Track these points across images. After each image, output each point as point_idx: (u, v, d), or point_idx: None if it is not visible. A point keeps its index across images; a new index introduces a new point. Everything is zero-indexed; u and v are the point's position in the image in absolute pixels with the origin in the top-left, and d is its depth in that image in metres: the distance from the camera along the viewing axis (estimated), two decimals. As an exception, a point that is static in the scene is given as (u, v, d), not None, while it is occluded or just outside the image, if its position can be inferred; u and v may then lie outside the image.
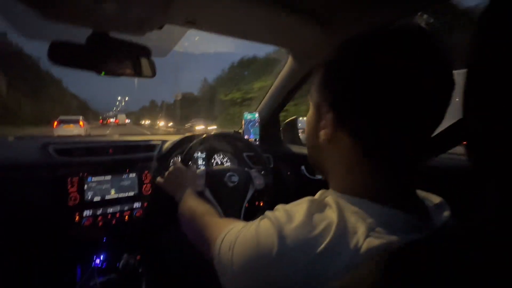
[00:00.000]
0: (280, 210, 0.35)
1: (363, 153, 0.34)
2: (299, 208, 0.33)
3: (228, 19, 0.74)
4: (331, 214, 0.31)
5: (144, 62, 0.79)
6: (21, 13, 0.70)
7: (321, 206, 0.33)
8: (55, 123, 12.90)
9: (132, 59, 0.77)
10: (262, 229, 0.32)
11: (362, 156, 0.34)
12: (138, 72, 0.80)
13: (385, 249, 0.28)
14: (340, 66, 0.35)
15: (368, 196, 0.32)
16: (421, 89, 0.30)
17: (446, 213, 0.36)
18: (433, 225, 0.33)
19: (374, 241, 0.28)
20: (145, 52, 0.78)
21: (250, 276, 0.31)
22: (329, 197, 0.35)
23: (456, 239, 0.28)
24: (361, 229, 0.29)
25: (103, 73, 0.75)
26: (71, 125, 12.90)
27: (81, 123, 13.22)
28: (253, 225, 0.35)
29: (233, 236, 0.36)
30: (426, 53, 0.30)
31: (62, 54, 0.65)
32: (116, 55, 0.73)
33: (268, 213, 0.36)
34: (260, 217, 0.37)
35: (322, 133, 0.37)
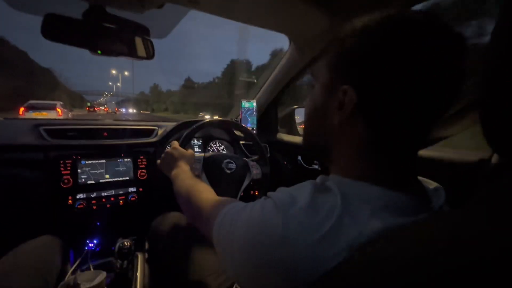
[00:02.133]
0: (283, 191, 0.34)
1: (376, 137, 0.33)
2: (302, 190, 0.33)
3: (230, 1, 0.72)
4: (334, 197, 0.31)
5: (142, 42, 0.77)
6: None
7: (323, 189, 0.33)
8: (22, 109, 9.65)
9: (130, 38, 0.74)
10: (266, 209, 0.32)
11: (373, 140, 0.33)
12: (135, 53, 0.77)
13: (388, 230, 0.28)
14: (366, 46, 0.32)
15: (371, 179, 0.32)
16: (444, 75, 0.29)
17: (443, 197, 0.37)
18: (432, 208, 0.33)
19: (377, 222, 0.28)
20: (144, 31, 0.76)
21: (251, 256, 0.31)
22: (330, 181, 0.35)
23: (452, 220, 0.29)
24: (364, 211, 0.29)
25: (99, 51, 0.72)
26: (44, 112, 9.83)
27: (58, 109, 10.36)
28: (256, 205, 0.34)
29: (234, 214, 0.36)
30: (449, 40, 0.30)
31: (57, 28, 0.62)
32: (113, 32, 0.70)
33: (271, 194, 0.35)
34: (263, 197, 0.36)
35: (336, 115, 0.35)
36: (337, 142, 0.37)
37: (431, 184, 0.39)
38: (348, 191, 0.31)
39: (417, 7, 0.63)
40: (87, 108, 54.48)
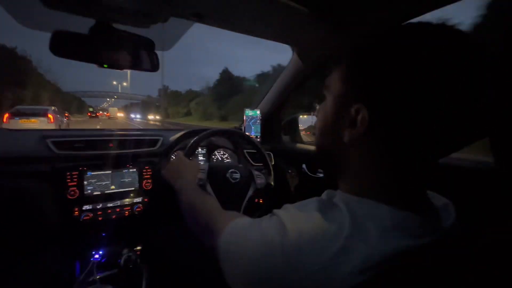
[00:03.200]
0: (290, 209, 0.34)
1: (389, 156, 0.32)
2: (308, 208, 0.33)
3: (234, 14, 0.73)
4: (342, 217, 0.30)
5: (147, 55, 0.78)
6: (22, 2, 0.68)
7: (330, 207, 0.32)
8: (6, 116, 8.35)
9: (135, 52, 0.76)
10: (272, 229, 0.32)
11: (386, 159, 0.32)
12: (140, 66, 0.79)
13: (398, 252, 0.27)
14: (382, 58, 0.30)
15: (380, 198, 0.31)
16: (465, 91, 0.28)
17: (453, 215, 0.36)
18: (443, 227, 0.33)
19: (387, 244, 0.27)
20: (149, 45, 0.77)
21: (256, 275, 0.30)
22: (337, 197, 0.35)
23: (467, 243, 0.28)
24: (373, 231, 0.28)
25: (105, 65, 0.73)
26: (33, 119, 8.46)
27: (50, 116, 8.88)
28: (262, 222, 0.34)
29: (241, 233, 0.36)
30: (465, 51, 0.28)
31: (64, 45, 0.64)
32: (119, 47, 0.72)
33: (277, 211, 0.35)
34: (269, 215, 0.36)
35: (346, 133, 0.33)
36: (346, 159, 0.36)
37: (440, 200, 0.38)
38: (356, 210, 0.31)
39: (424, 17, 0.63)
40: (89, 114, 51.71)
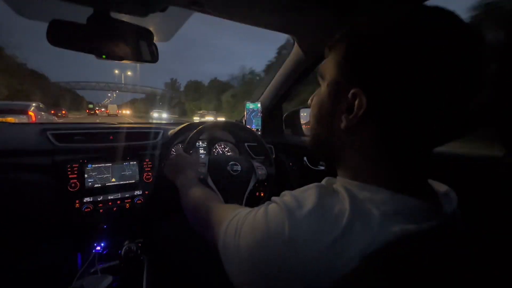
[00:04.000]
0: (288, 195, 0.33)
1: (386, 141, 0.31)
2: (308, 193, 0.32)
3: (234, 2, 0.72)
4: (343, 200, 0.30)
5: (146, 46, 0.77)
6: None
7: (330, 192, 0.32)
8: None
9: (133, 42, 0.74)
10: (271, 215, 0.31)
11: (383, 143, 0.32)
12: (139, 57, 0.77)
13: (400, 236, 0.27)
14: (379, 44, 0.29)
15: (381, 183, 0.31)
16: (464, 77, 0.28)
17: (455, 201, 0.35)
18: (444, 213, 0.32)
19: (389, 228, 0.27)
20: (148, 35, 0.76)
21: (257, 264, 0.30)
22: (337, 183, 0.34)
23: (469, 231, 0.28)
24: (375, 216, 0.28)
25: (103, 56, 0.72)
26: (9, 117, 6.88)
27: (31, 113, 7.52)
28: (260, 210, 0.33)
29: (240, 221, 0.35)
30: (470, 40, 0.28)
31: (62, 34, 0.62)
32: (118, 37, 0.70)
33: (275, 198, 0.34)
34: (266, 202, 0.35)
35: (344, 118, 0.33)
36: (345, 145, 0.35)
37: (441, 187, 0.38)
38: (357, 195, 0.30)
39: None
40: (87, 111, 49.21)
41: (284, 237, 0.28)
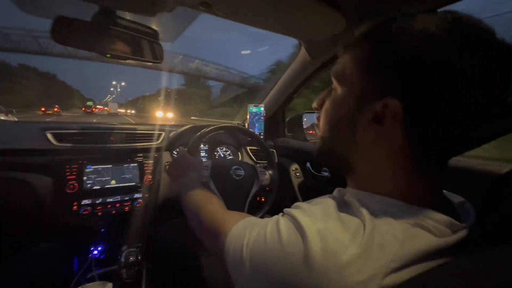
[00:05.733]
0: (302, 208, 0.32)
1: (418, 152, 0.29)
2: (322, 206, 0.30)
3: (243, 5, 0.71)
4: (358, 214, 0.28)
5: (151, 45, 0.76)
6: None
7: (344, 205, 0.31)
8: None
9: (139, 41, 0.73)
10: (285, 230, 0.29)
11: (409, 154, 0.30)
12: (144, 56, 0.76)
13: (423, 253, 0.26)
14: (423, 56, 0.27)
15: (400, 195, 0.30)
16: (498, 88, 0.27)
17: (472, 213, 0.34)
18: (463, 226, 0.30)
19: (410, 244, 0.26)
20: (153, 34, 0.74)
21: (267, 279, 0.28)
22: (348, 195, 0.33)
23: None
24: (394, 231, 0.26)
25: (108, 55, 0.71)
26: None
27: None
28: (273, 225, 0.31)
29: (249, 236, 0.33)
30: (497, 45, 0.27)
31: (66, 31, 0.61)
32: (123, 36, 0.69)
33: (288, 211, 0.32)
34: (280, 214, 0.33)
35: (371, 128, 0.30)
36: (364, 155, 0.33)
37: (455, 198, 0.36)
38: (374, 208, 0.28)
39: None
40: (83, 109, 45.00)
41: (300, 256, 0.26)
